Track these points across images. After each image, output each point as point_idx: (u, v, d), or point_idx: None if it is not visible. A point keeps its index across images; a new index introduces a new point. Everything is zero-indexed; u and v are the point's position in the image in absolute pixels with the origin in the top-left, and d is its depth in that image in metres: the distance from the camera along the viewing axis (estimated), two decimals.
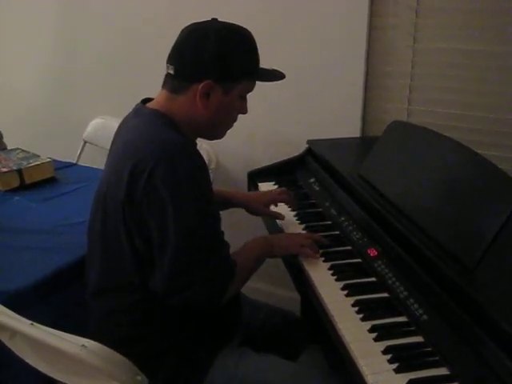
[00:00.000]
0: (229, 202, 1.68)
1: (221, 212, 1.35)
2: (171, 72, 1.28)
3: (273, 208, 1.70)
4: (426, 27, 1.96)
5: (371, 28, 2.03)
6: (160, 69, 1.32)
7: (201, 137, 1.38)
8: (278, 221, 1.68)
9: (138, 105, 1.36)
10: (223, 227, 1.30)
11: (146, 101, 1.36)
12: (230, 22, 1.31)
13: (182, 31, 1.30)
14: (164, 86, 1.32)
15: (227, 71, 1.26)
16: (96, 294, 1.32)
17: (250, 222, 1.83)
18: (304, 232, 1.57)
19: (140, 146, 1.21)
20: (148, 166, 1.15)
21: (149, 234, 1.18)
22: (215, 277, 1.22)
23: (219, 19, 1.32)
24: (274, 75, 1.36)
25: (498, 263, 1.18)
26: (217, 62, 1.24)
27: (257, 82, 1.34)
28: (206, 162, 2.09)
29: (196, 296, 1.21)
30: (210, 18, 1.32)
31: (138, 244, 1.20)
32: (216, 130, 1.37)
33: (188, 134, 1.30)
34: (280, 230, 1.64)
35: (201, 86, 1.24)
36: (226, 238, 1.34)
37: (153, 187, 1.15)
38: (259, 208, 1.68)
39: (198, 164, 1.22)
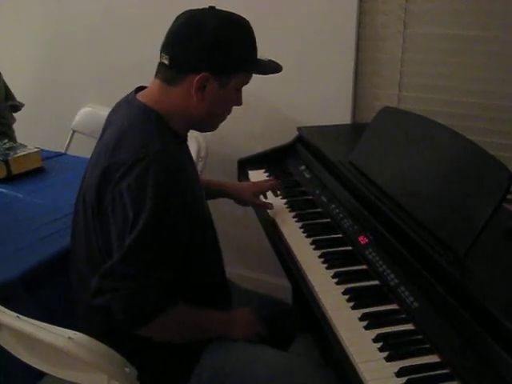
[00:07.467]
0: (217, 192, 1.67)
1: (212, 201, 1.32)
2: (165, 62, 1.22)
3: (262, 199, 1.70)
4: (416, 12, 1.94)
5: (361, 13, 2.01)
6: (150, 57, 1.29)
7: (193, 129, 1.34)
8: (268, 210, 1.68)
9: (130, 94, 1.31)
10: (215, 216, 1.27)
11: (139, 88, 1.32)
12: (227, 10, 1.25)
13: (177, 19, 1.25)
14: (157, 75, 1.26)
15: (224, 63, 1.21)
16: (82, 286, 1.30)
17: (241, 212, 1.82)
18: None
19: (117, 149, 1.18)
20: (118, 173, 1.14)
21: (109, 238, 1.17)
22: (140, 296, 1.14)
23: (217, 7, 1.26)
24: (271, 68, 1.32)
25: (487, 251, 1.18)
26: (213, 54, 1.19)
27: None
28: (196, 150, 2.12)
29: (116, 303, 1.13)
30: (206, 6, 1.26)
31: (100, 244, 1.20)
32: (209, 123, 1.34)
33: (180, 126, 1.27)
34: (271, 219, 1.64)
35: (196, 78, 1.19)
36: (217, 227, 1.31)
37: (119, 193, 1.13)
38: (248, 198, 1.67)
39: (171, 178, 1.16)
